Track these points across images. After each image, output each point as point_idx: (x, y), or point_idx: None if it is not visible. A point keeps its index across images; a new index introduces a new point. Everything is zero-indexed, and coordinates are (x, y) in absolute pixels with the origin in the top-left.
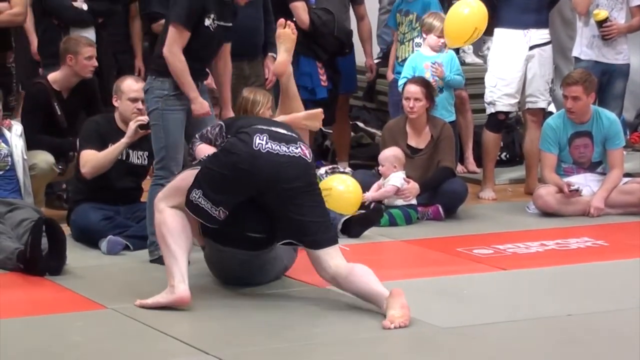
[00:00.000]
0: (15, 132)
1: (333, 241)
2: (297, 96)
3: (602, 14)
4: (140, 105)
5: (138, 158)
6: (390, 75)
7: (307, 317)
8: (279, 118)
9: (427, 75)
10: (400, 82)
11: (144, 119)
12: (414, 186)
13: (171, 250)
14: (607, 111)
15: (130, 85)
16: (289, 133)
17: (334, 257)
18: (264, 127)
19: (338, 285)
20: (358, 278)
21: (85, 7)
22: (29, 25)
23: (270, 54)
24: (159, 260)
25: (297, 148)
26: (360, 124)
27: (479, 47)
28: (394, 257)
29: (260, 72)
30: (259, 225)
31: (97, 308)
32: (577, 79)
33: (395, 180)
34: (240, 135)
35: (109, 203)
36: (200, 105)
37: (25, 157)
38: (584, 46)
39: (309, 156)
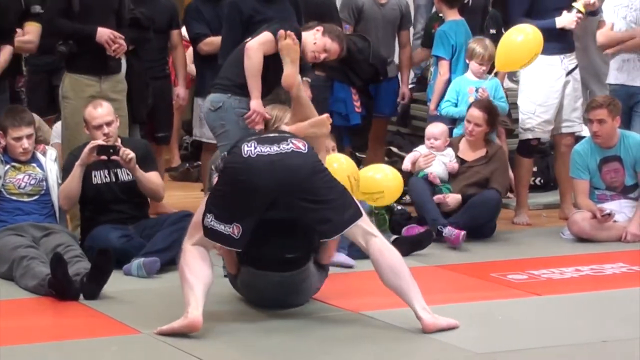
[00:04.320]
0: (50, 157)
1: (354, 219)
2: (309, 104)
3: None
4: (106, 130)
5: (127, 174)
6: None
7: (338, 343)
8: (284, 128)
9: (471, 100)
10: (443, 105)
11: (100, 142)
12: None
13: (188, 281)
14: (633, 133)
15: (91, 113)
16: (279, 134)
17: (360, 234)
18: (253, 136)
19: None
20: (386, 275)
21: None
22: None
23: (304, 78)
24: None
25: (287, 145)
26: (394, 149)
27: (513, 72)
28: (428, 282)
29: None
30: (296, 244)
31: (131, 333)
32: (602, 102)
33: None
34: (231, 150)
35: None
36: (258, 104)
37: (60, 181)
38: (615, 70)
39: (303, 148)
